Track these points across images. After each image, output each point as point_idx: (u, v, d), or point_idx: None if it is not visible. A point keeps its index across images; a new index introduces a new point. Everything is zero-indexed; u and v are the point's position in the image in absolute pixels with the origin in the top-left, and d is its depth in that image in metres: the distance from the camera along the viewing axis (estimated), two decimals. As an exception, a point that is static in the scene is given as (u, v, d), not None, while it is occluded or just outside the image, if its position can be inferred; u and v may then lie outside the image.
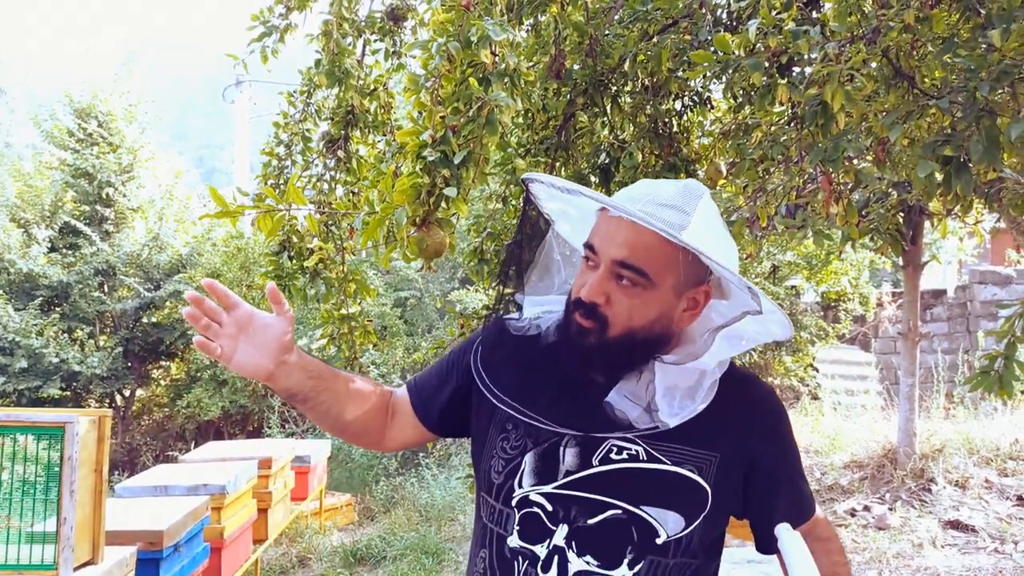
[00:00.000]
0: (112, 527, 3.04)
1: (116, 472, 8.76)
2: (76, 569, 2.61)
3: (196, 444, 8.42)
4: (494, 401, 1.26)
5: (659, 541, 1.16)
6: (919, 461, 6.13)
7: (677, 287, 1.18)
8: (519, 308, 1.32)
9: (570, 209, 1.32)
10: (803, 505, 1.33)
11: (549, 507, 1.18)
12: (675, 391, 1.19)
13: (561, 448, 1.20)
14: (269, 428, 8.90)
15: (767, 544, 1.30)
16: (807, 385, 10.06)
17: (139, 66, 11.67)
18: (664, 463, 1.18)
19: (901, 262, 6.77)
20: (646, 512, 1.16)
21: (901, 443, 6.32)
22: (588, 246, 1.19)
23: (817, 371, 10.39)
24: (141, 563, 3.13)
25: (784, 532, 1.30)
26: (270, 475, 5.05)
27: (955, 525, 5.34)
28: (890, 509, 5.69)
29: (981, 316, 10.40)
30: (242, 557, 4.49)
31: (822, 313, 11.21)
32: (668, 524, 1.16)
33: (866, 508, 5.76)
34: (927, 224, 6.53)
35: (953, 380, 8.46)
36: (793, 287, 10.55)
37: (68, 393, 9.73)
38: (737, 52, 1.72)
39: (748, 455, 1.24)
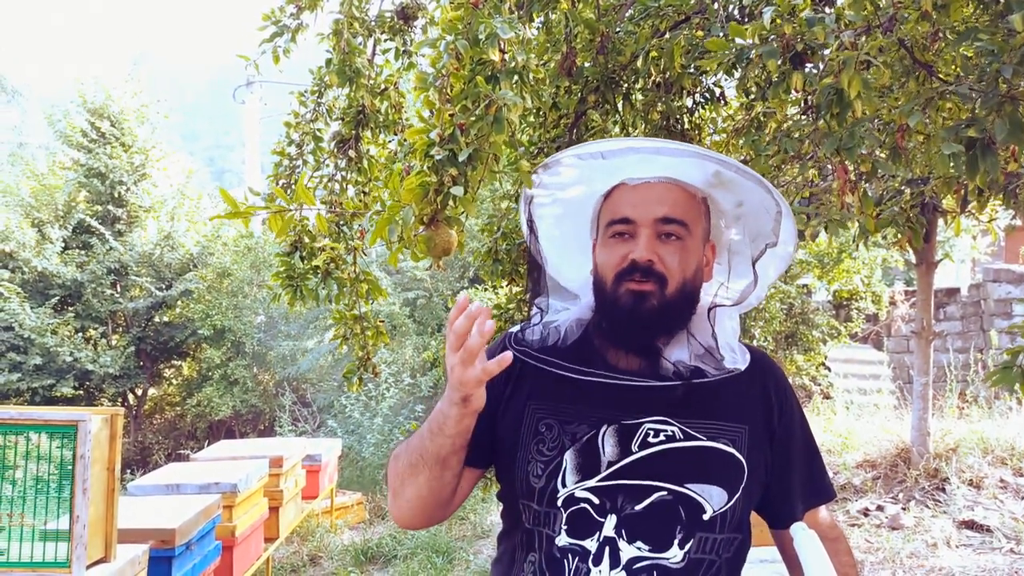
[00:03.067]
0: (124, 525, 3.05)
1: (128, 470, 8.82)
2: (89, 567, 2.61)
3: (208, 443, 8.46)
4: (549, 370, 1.23)
5: (706, 517, 1.19)
6: (933, 460, 6.08)
7: (703, 236, 1.27)
8: (542, 310, 1.33)
9: (568, 194, 1.34)
10: (820, 483, 1.36)
11: (596, 500, 1.19)
12: (729, 339, 1.26)
13: (600, 440, 1.21)
14: (280, 427, 8.93)
15: (781, 519, 1.33)
16: (819, 384, 10.00)
17: (150, 66, 11.74)
18: (700, 439, 1.21)
19: (914, 260, 6.72)
20: (691, 490, 1.19)
21: (915, 442, 6.27)
22: (621, 220, 1.22)
23: (829, 370, 10.33)
24: (153, 561, 3.14)
25: (800, 531, 1.29)
26: (281, 474, 5.06)
27: (970, 525, 5.30)
28: (904, 509, 5.65)
29: (995, 315, 10.31)
30: (253, 555, 4.50)
31: (834, 312, 11.15)
32: (713, 499, 1.19)
33: (879, 508, 5.72)
34: (940, 222, 6.47)
35: (967, 379, 8.40)
36: (805, 286, 10.49)
37: (81, 392, 9.81)
38: (751, 40, 1.70)
39: (770, 427, 1.28)
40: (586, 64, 2.52)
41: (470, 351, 1.07)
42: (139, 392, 10.80)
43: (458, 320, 1.06)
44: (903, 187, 3.51)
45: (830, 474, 6.47)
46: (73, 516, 2.55)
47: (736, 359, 1.24)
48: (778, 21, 1.67)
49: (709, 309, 1.26)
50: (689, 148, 1.24)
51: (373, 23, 2.82)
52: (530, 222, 1.35)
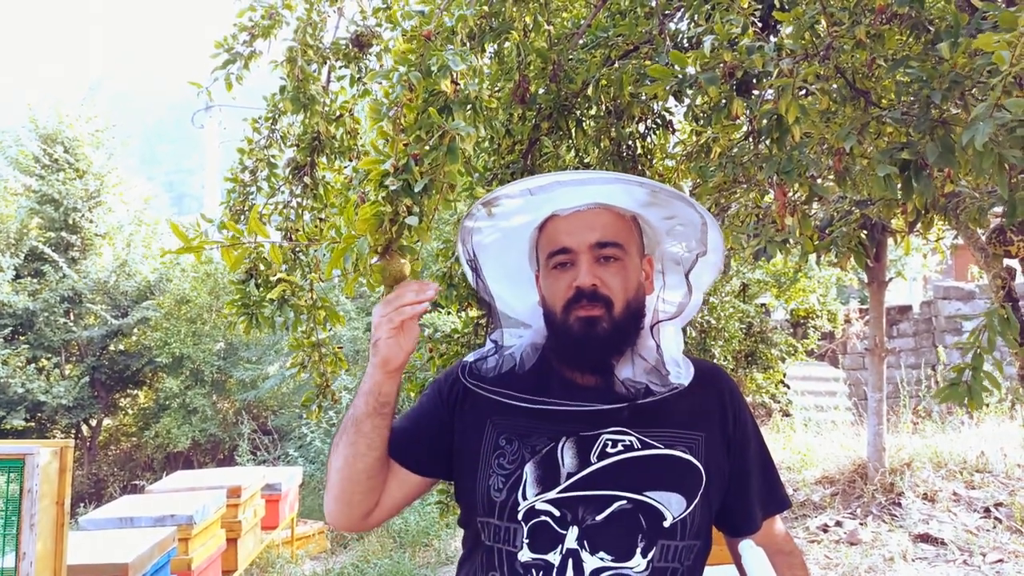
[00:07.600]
0: (75, 561, 2.98)
1: (83, 504, 8.57)
2: (37, 606, 2.54)
3: (165, 474, 8.28)
4: (505, 400, 1.26)
5: (666, 524, 1.20)
6: (888, 475, 6.20)
7: (639, 252, 1.32)
8: (496, 343, 1.36)
9: (505, 232, 1.38)
10: (777, 492, 1.39)
11: (557, 512, 1.19)
12: (673, 353, 1.30)
13: (559, 452, 1.22)
14: (240, 456, 8.78)
15: (740, 528, 1.35)
16: (778, 402, 10.14)
17: (109, 90, 11.59)
18: (658, 447, 1.23)
19: (867, 279, 6.89)
20: (651, 497, 1.20)
21: (871, 458, 6.38)
22: (560, 251, 1.27)
23: (788, 388, 10.48)
24: (105, 597, 3.06)
25: (747, 549, 1.31)
26: (240, 504, 4.98)
27: (925, 538, 5.40)
28: (861, 524, 5.74)
29: (946, 331, 10.59)
30: (211, 589, 4.41)
31: (791, 330, 11.34)
32: (672, 506, 1.20)
33: (838, 523, 5.80)
34: (891, 242, 6.65)
35: (920, 394, 8.59)
36: (763, 305, 10.67)
37: (33, 424, 9.55)
38: (694, 68, 1.76)
39: (725, 435, 1.31)
40: (539, 91, 2.56)
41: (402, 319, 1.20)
42: (93, 423, 10.53)
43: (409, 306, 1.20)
44: (852, 208, 3.62)
45: (790, 491, 6.57)
46: (19, 553, 2.48)
47: (680, 373, 1.27)
48: (719, 51, 1.73)
49: (652, 326, 1.29)
50: (611, 175, 1.30)
51: (327, 50, 2.83)
52: (471, 262, 1.38)
